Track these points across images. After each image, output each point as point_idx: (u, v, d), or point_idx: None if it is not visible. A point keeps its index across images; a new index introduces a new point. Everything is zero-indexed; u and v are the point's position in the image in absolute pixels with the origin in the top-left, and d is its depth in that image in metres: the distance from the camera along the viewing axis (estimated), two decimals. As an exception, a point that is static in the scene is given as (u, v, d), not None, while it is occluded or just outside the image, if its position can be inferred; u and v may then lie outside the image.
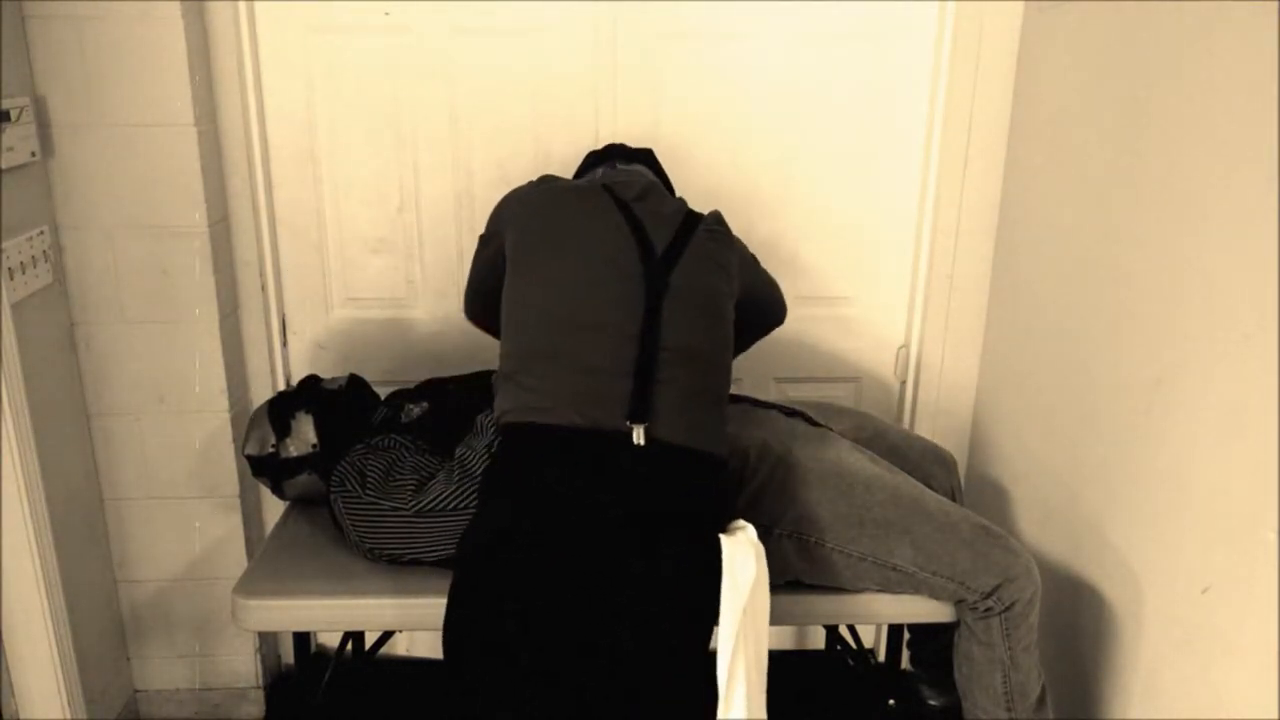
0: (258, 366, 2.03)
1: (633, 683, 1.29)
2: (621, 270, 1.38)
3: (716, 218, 1.52)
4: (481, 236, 1.60)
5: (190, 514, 2.01)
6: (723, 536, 1.29)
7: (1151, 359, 1.46)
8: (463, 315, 1.72)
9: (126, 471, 1.96)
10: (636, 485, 1.28)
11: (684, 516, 1.30)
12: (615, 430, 1.29)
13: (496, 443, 1.40)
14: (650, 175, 1.69)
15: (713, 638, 1.29)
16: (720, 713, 1.28)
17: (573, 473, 1.29)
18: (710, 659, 1.28)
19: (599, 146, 1.84)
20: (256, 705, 2.16)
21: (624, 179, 1.56)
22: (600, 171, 1.68)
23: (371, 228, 2.00)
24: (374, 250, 2.01)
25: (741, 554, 1.28)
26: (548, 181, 1.55)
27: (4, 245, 1.61)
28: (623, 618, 1.27)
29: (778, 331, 1.74)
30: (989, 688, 1.55)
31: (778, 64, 1.93)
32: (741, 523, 1.34)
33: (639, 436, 1.28)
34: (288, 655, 2.26)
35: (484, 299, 1.60)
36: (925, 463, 1.75)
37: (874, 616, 1.60)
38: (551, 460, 1.29)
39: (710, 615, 1.28)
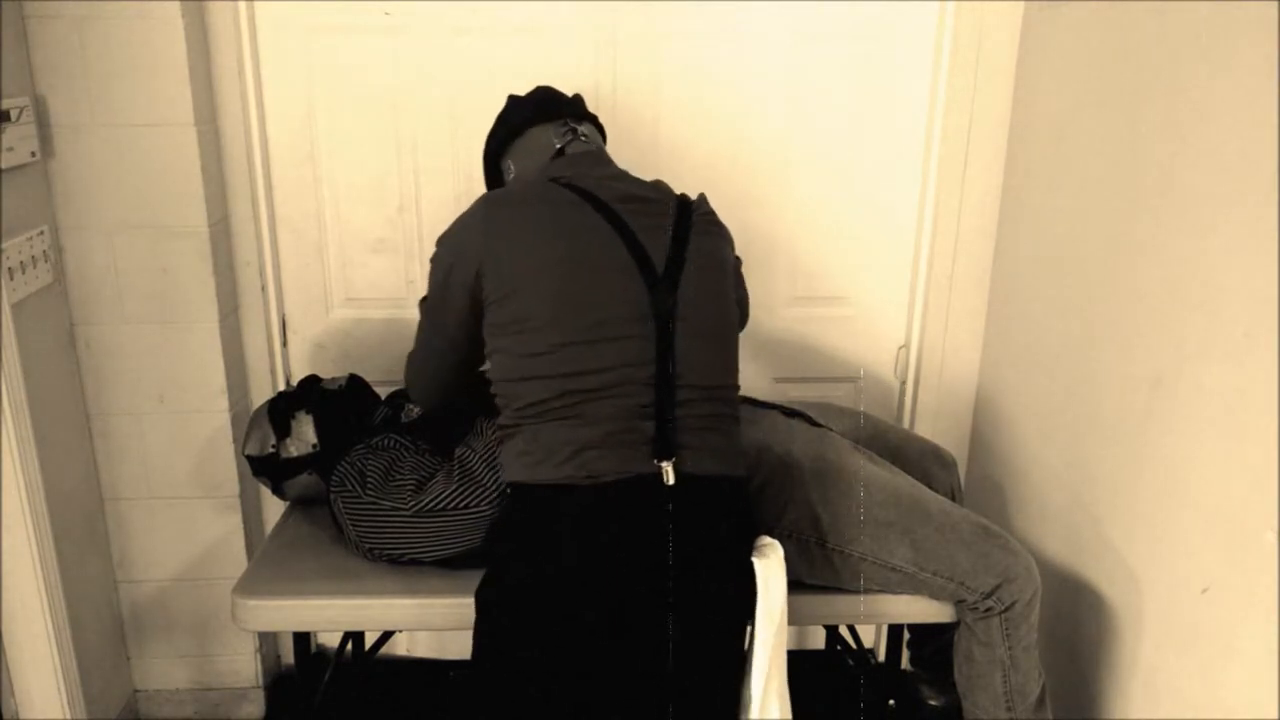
0: (258, 366, 2.03)
1: (674, 707, 1.29)
2: (628, 305, 1.29)
3: (706, 204, 1.45)
4: (430, 295, 1.42)
5: (190, 514, 2.01)
6: (755, 560, 1.30)
7: (1151, 359, 1.46)
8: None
9: (126, 471, 1.96)
10: (672, 524, 1.25)
11: (719, 546, 1.29)
12: (645, 474, 1.25)
13: (510, 495, 1.33)
14: (599, 139, 1.58)
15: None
16: (754, 713, 1.31)
17: (609, 527, 1.25)
18: (737, 666, 1.30)
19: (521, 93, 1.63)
20: (256, 705, 2.16)
21: (583, 154, 1.46)
22: (554, 139, 1.50)
23: (371, 228, 2.00)
24: (374, 250, 2.01)
25: (774, 576, 1.29)
26: (499, 204, 1.36)
27: (4, 245, 1.61)
28: (667, 653, 1.26)
29: (778, 331, 1.74)
30: (989, 688, 1.55)
31: (777, 64, 1.93)
32: (769, 540, 1.34)
33: (669, 475, 1.25)
34: (288, 655, 2.26)
35: (453, 368, 1.46)
36: (925, 463, 1.75)
37: (874, 616, 1.60)
38: (587, 519, 1.25)
39: (743, 635, 1.30)
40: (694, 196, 1.46)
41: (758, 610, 1.28)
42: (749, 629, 1.32)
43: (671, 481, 1.25)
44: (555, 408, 1.27)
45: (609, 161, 1.51)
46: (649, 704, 1.28)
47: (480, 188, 1.97)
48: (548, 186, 1.38)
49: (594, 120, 1.61)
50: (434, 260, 1.41)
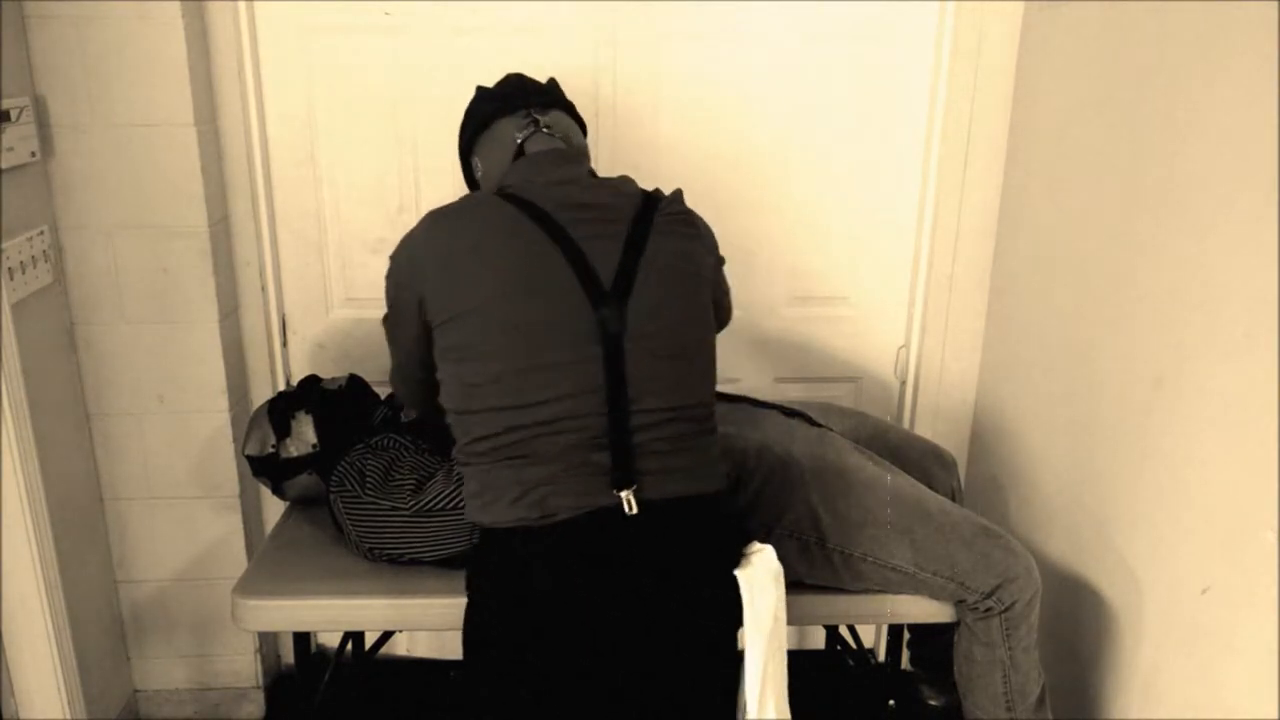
0: (258, 366, 2.03)
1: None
2: (571, 328, 1.21)
3: (677, 203, 1.34)
4: (388, 313, 1.38)
5: (190, 514, 2.01)
6: (738, 572, 1.26)
7: (1152, 359, 1.46)
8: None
9: (126, 471, 1.96)
10: (639, 554, 1.22)
11: (692, 567, 1.25)
12: (603, 507, 1.19)
13: (476, 538, 1.30)
14: (570, 123, 1.48)
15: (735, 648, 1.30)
16: (752, 713, 1.28)
17: (572, 565, 1.21)
18: (732, 673, 1.28)
19: (489, 84, 1.54)
20: (256, 705, 2.16)
21: (543, 152, 1.36)
22: (515, 133, 1.41)
23: (371, 228, 1.99)
24: (374, 250, 2.01)
25: (760, 585, 1.25)
26: (438, 222, 1.29)
27: (4, 245, 1.61)
28: (652, 682, 1.25)
29: (778, 331, 1.74)
30: (989, 688, 1.55)
31: (778, 64, 1.92)
32: (758, 546, 1.30)
33: (630, 505, 1.20)
34: (288, 655, 2.26)
35: (426, 383, 1.37)
36: (925, 463, 1.75)
37: (874, 616, 1.60)
38: (547, 560, 1.21)
39: (732, 647, 1.28)
40: (667, 193, 1.36)
41: (745, 620, 1.24)
42: (739, 639, 1.30)
43: (634, 510, 1.20)
44: (503, 444, 1.21)
45: (570, 159, 1.39)
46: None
47: (480, 188, 1.98)
48: (490, 202, 1.29)
49: (566, 107, 1.51)
50: (386, 278, 1.36)
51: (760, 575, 1.26)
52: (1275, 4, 1.19)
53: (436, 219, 1.30)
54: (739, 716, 1.33)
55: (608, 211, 1.29)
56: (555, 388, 1.20)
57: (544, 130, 1.41)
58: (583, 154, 1.46)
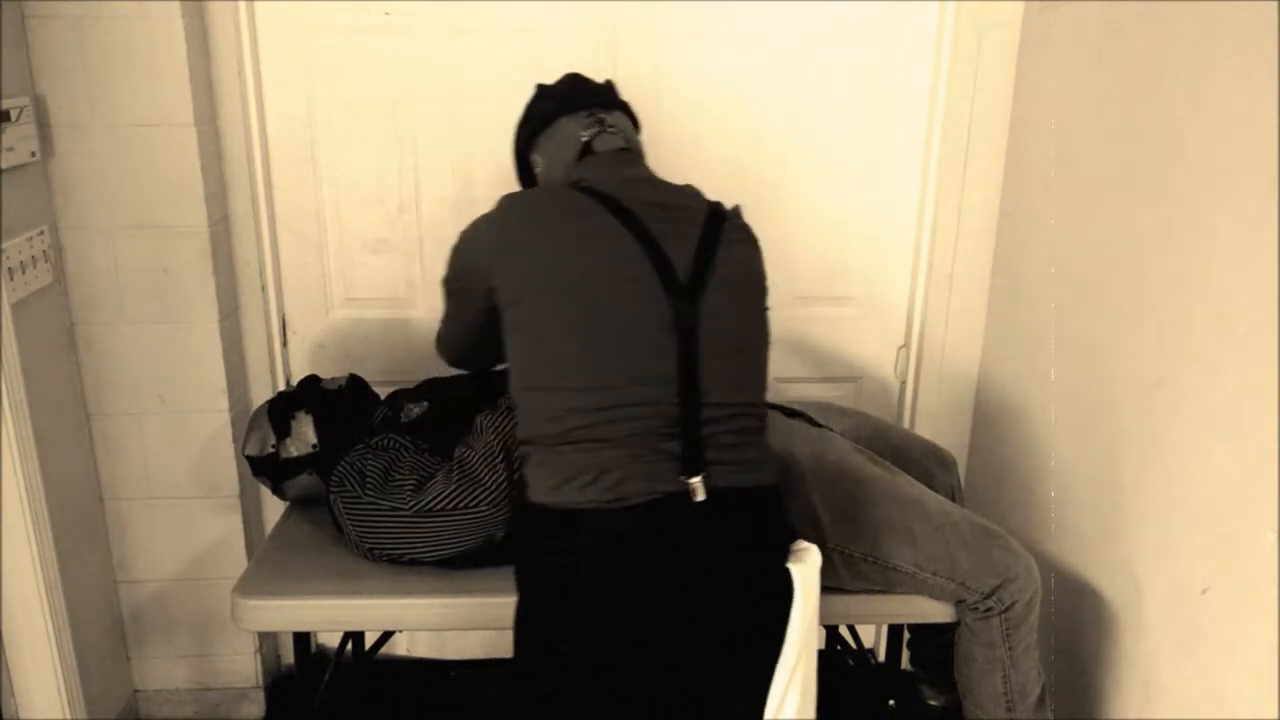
0: (258, 366, 2.03)
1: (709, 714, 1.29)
2: (647, 319, 1.23)
3: (740, 216, 1.39)
4: (446, 282, 1.42)
5: (190, 514, 2.01)
6: (791, 566, 1.28)
7: (1152, 359, 1.46)
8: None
9: (126, 471, 1.96)
10: (704, 540, 1.24)
11: (753, 558, 1.27)
12: (673, 492, 1.21)
13: (533, 513, 1.27)
14: (629, 124, 1.52)
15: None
16: (770, 713, 1.29)
17: (640, 548, 1.22)
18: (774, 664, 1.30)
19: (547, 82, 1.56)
20: (256, 705, 2.16)
21: (611, 151, 1.41)
22: (580, 133, 1.45)
23: (371, 228, 2.00)
24: (374, 250, 2.01)
25: (810, 579, 1.28)
26: (515, 207, 1.32)
27: (4, 245, 1.61)
28: (704, 667, 1.26)
29: (778, 331, 1.73)
30: (989, 688, 1.55)
31: (778, 64, 1.93)
32: (805, 544, 1.32)
33: (698, 492, 1.22)
34: (288, 655, 2.26)
35: (474, 347, 1.47)
36: (925, 463, 1.75)
37: (874, 616, 1.60)
38: (617, 543, 1.22)
39: (780, 640, 1.29)
40: (728, 206, 1.41)
41: (792, 614, 1.27)
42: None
43: (701, 498, 1.22)
44: (576, 426, 1.22)
45: (637, 160, 1.45)
46: (684, 714, 1.28)
47: (481, 188, 1.98)
48: (568, 192, 1.32)
49: (625, 108, 1.54)
50: (454, 251, 1.39)
51: (810, 571, 1.28)
52: (1275, 4, 1.19)
53: (513, 201, 1.33)
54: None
55: (682, 213, 1.32)
56: (630, 373, 1.23)
57: (609, 130, 1.44)
58: (642, 154, 1.49)
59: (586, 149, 1.43)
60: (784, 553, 1.30)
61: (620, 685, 1.26)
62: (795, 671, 1.28)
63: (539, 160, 1.52)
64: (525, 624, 1.28)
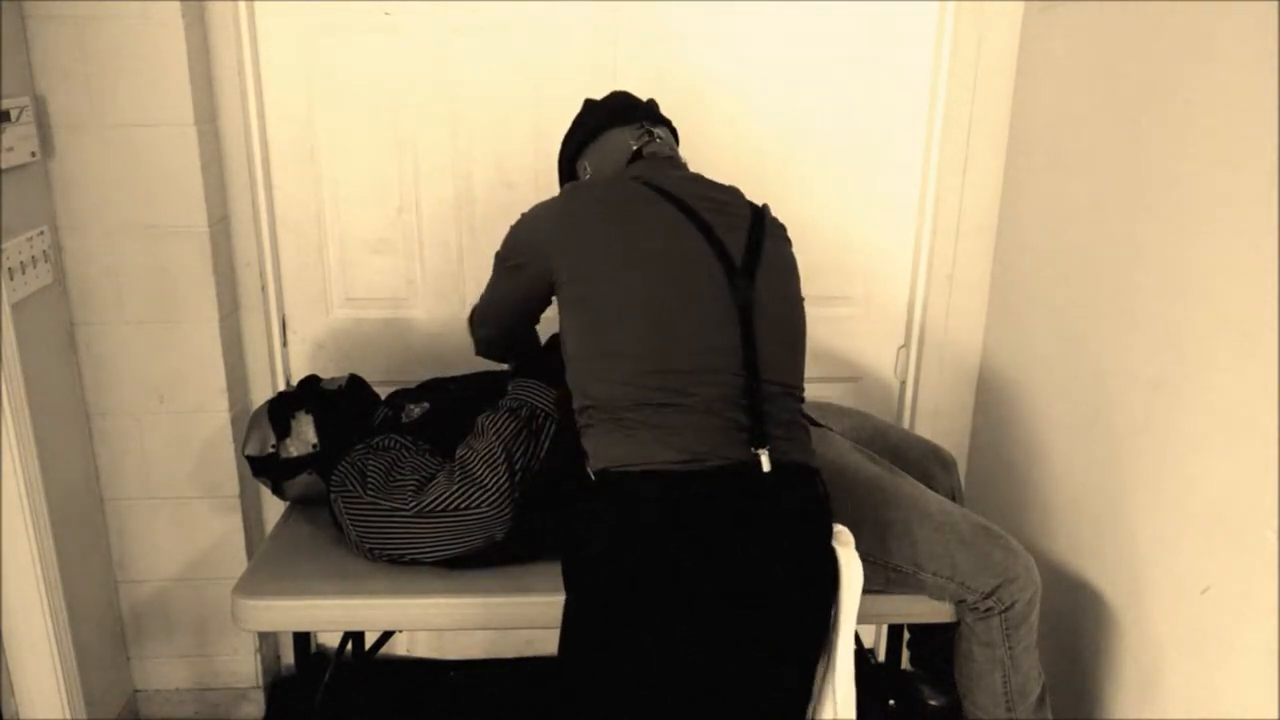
0: (258, 366, 2.03)
1: (756, 696, 1.30)
2: (710, 294, 1.30)
3: (771, 212, 1.47)
4: (503, 259, 1.47)
5: (190, 514, 2.01)
6: (836, 546, 1.31)
7: (1152, 359, 1.46)
8: (463, 317, 1.71)
9: (126, 471, 1.96)
10: (769, 510, 1.27)
11: (810, 534, 1.30)
12: (744, 461, 1.25)
13: (599, 483, 1.30)
14: (674, 142, 1.61)
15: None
16: (831, 713, 1.33)
17: (714, 513, 1.25)
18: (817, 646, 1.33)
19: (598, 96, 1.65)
20: (256, 705, 2.16)
21: (661, 157, 1.49)
22: (631, 141, 1.52)
23: (371, 228, 2.00)
24: (374, 250, 2.01)
25: (853, 562, 1.31)
26: (580, 193, 1.40)
27: (4, 245, 1.61)
28: (760, 635, 1.28)
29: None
30: (989, 688, 1.55)
31: (778, 65, 1.93)
32: (840, 527, 1.35)
33: (765, 463, 1.26)
34: (288, 655, 2.26)
35: (513, 324, 1.54)
36: (925, 463, 1.75)
37: (874, 616, 1.60)
38: (687, 504, 1.25)
39: (828, 619, 1.32)
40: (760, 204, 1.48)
41: (841, 598, 1.30)
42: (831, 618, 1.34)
43: (768, 469, 1.26)
44: (648, 390, 1.26)
45: (684, 165, 1.53)
46: (737, 688, 1.29)
47: (481, 188, 1.98)
48: (627, 181, 1.40)
49: (668, 124, 1.62)
50: (513, 230, 1.44)
51: (852, 554, 1.31)
52: (1275, 4, 1.19)
53: (577, 188, 1.41)
54: (822, 709, 1.36)
55: (731, 208, 1.40)
56: (699, 344, 1.28)
57: (657, 139, 1.53)
58: (687, 165, 1.55)
59: (636, 155, 1.51)
60: (830, 534, 1.33)
61: (671, 656, 1.27)
62: (846, 661, 1.32)
63: (587, 168, 1.58)
64: (587, 591, 1.29)
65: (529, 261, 1.40)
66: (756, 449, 1.26)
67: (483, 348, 1.66)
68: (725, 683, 1.28)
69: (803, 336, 1.41)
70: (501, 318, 1.56)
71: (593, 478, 1.30)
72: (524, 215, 1.44)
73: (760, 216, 1.41)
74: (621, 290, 1.30)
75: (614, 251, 1.31)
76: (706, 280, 1.31)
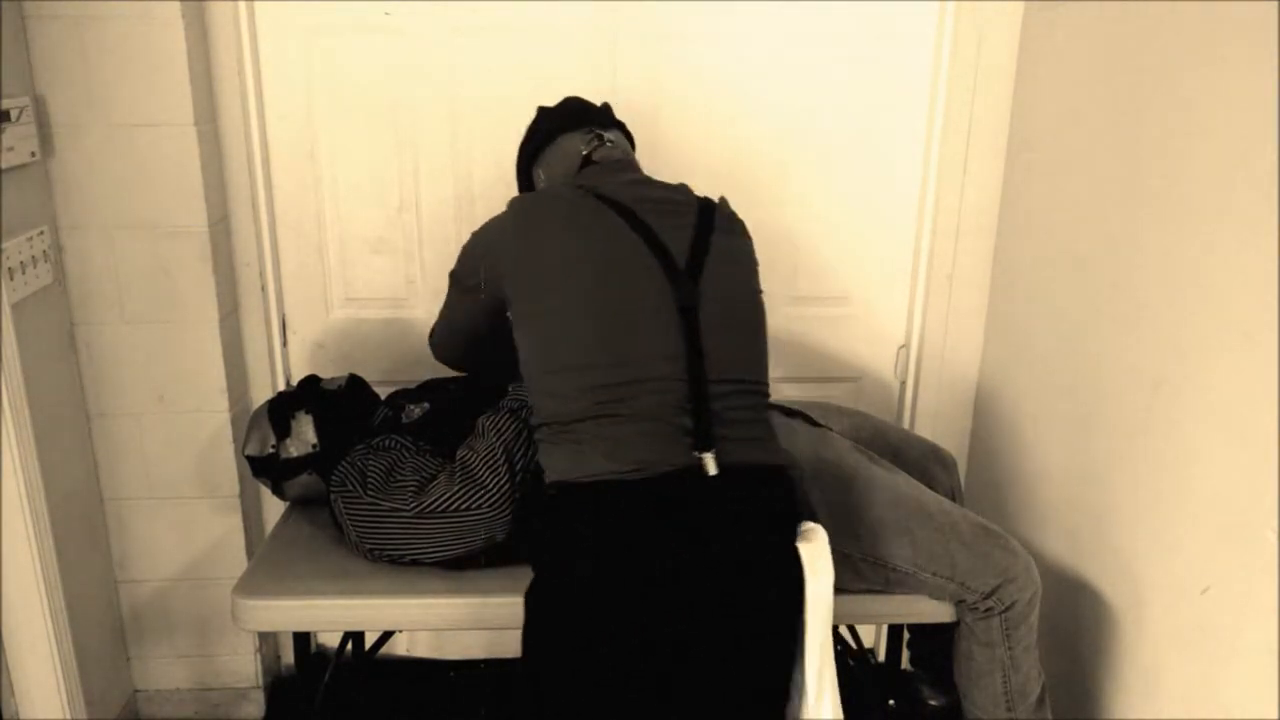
0: (258, 366, 2.03)
1: (723, 705, 1.30)
2: (651, 299, 1.31)
3: (728, 207, 1.47)
4: (456, 276, 1.49)
5: (190, 514, 2.01)
6: (800, 545, 1.30)
7: (1152, 359, 1.46)
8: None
9: (126, 471, 1.96)
10: (717, 514, 1.27)
11: (765, 535, 1.30)
12: (688, 466, 1.26)
13: (553, 495, 1.32)
14: (626, 141, 1.62)
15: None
16: (809, 713, 1.31)
17: (657, 520, 1.25)
18: (789, 650, 1.31)
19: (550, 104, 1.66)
20: (256, 705, 2.16)
21: (610, 161, 1.50)
22: (580, 147, 1.54)
23: (371, 228, 2.00)
24: (374, 250, 2.01)
25: (821, 560, 1.30)
26: (526, 208, 1.40)
27: (4, 245, 1.61)
28: (720, 643, 1.27)
29: (778, 331, 1.74)
30: (989, 688, 1.55)
31: (778, 64, 1.93)
32: (811, 525, 1.34)
33: (711, 466, 1.26)
34: (288, 655, 2.26)
35: (472, 344, 1.56)
36: (925, 463, 1.75)
37: (874, 616, 1.60)
38: (636, 512, 1.25)
39: (795, 622, 1.31)
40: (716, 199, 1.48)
41: (807, 596, 1.29)
42: (801, 617, 1.33)
43: (714, 472, 1.26)
44: (592, 403, 1.27)
45: (633, 167, 1.54)
46: (700, 695, 1.29)
47: (481, 187, 1.98)
48: (572, 190, 1.41)
49: (621, 127, 1.64)
50: (464, 250, 1.46)
51: (820, 552, 1.30)
52: (1275, 4, 1.19)
53: (524, 200, 1.42)
54: (795, 708, 1.34)
55: (676, 206, 1.41)
56: (640, 352, 1.29)
57: (607, 144, 1.54)
58: (638, 166, 1.57)
59: (587, 160, 1.52)
60: (793, 532, 1.32)
61: (635, 663, 1.27)
62: (824, 664, 1.30)
63: (541, 174, 1.60)
64: (540, 603, 1.30)
65: (483, 277, 1.42)
66: (701, 453, 1.26)
67: (450, 361, 1.68)
68: (687, 691, 1.28)
69: (759, 330, 1.41)
70: (461, 338, 1.58)
71: (549, 492, 1.31)
72: (475, 233, 1.45)
73: (709, 212, 1.41)
74: (565, 304, 1.31)
75: (558, 265, 1.32)
76: (647, 285, 1.31)
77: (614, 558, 1.25)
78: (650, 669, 1.27)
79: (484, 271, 1.41)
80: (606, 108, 1.65)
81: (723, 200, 1.47)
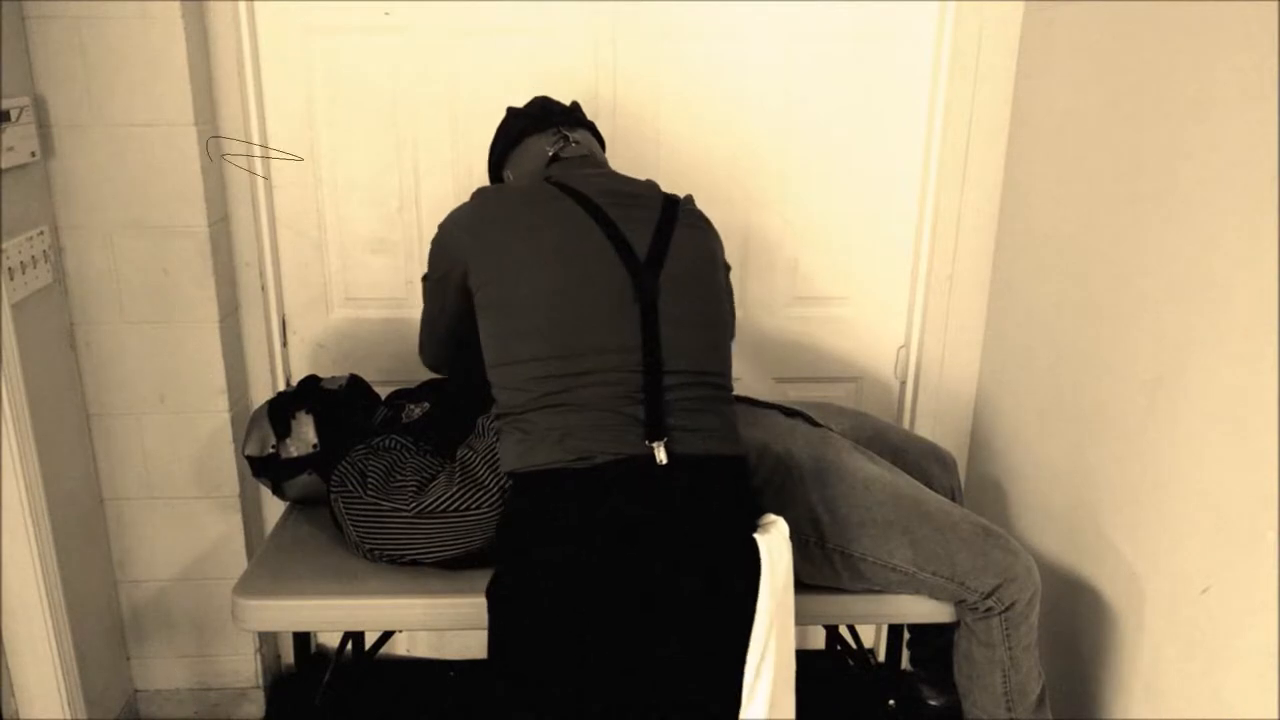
0: (258, 366, 2.03)
1: (679, 694, 1.29)
2: (610, 291, 1.32)
3: (693, 204, 1.48)
4: (428, 278, 1.49)
5: (190, 514, 2.01)
6: (758, 535, 1.30)
7: (1152, 359, 1.46)
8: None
9: (126, 471, 1.96)
10: (668, 503, 1.27)
11: (718, 524, 1.30)
12: (637, 455, 1.27)
13: (509, 489, 1.35)
14: (593, 141, 1.62)
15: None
16: (743, 712, 1.30)
17: (604, 508, 1.26)
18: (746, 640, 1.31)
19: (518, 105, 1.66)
20: (256, 705, 2.16)
21: (576, 158, 1.51)
22: (546, 147, 1.55)
23: (371, 228, 2.00)
24: (374, 250, 2.01)
25: (777, 550, 1.30)
26: (488, 197, 1.42)
27: (4, 245, 1.61)
28: (672, 634, 1.28)
29: (778, 331, 1.74)
30: (989, 688, 1.55)
31: (777, 64, 1.93)
32: (772, 517, 1.35)
33: (661, 455, 1.27)
34: (288, 655, 2.26)
35: (453, 344, 1.55)
36: (925, 463, 1.75)
37: (874, 616, 1.60)
38: (582, 500, 1.27)
39: (750, 612, 1.30)
40: (682, 196, 1.49)
41: (761, 585, 1.28)
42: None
43: (663, 460, 1.27)
44: (545, 392, 1.29)
45: (599, 163, 1.55)
46: (656, 685, 1.29)
47: (480, 186, 1.97)
48: (536, 182, 1.44)
49: (590, 127, 1.64)
50: (432, 244, 1.46)
51: (778, 541, 1.30)
52: (1275, 4, 1.19)
53: (485, 193, 1.43)
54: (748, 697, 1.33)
55: (638, 200, 1.42)
56: (595, 342, 1.30)
57: (573, 144, 1.55)
58: (605, 164, 1.58)
59: (554, 159, 1.53)
60: (750, 523, 1.32)
61: (589, 653, 1.27)
62: (765, 656, 1.28)
63: (509, 175, 1.61)
64: (498, 593, 1.31)
65: (449, 272, 1.42)
66: (651, 442, 1.27)
67: (439, 367, 1.67)
68: (640, 679, 1.28)
69: (721, 323, 1.41)
70: (443, 340, 1.57)
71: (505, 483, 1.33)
72: (439, 226, 1.45)
73: (672, 207, 1.42)
74: (523, 293, 1.32)
75: (518, 254, 1.33)
76: (606, 276, 1.32)
77: (563, 547, 1.26)
78: (605, 658, 1.27)
79: (449, 261, 1.42)
80: (575, 106, 1.65)
81: (688, 198, 1.49)
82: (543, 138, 1.56)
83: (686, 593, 1.27)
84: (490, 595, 1.32)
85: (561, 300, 1.31)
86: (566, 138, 1.55)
